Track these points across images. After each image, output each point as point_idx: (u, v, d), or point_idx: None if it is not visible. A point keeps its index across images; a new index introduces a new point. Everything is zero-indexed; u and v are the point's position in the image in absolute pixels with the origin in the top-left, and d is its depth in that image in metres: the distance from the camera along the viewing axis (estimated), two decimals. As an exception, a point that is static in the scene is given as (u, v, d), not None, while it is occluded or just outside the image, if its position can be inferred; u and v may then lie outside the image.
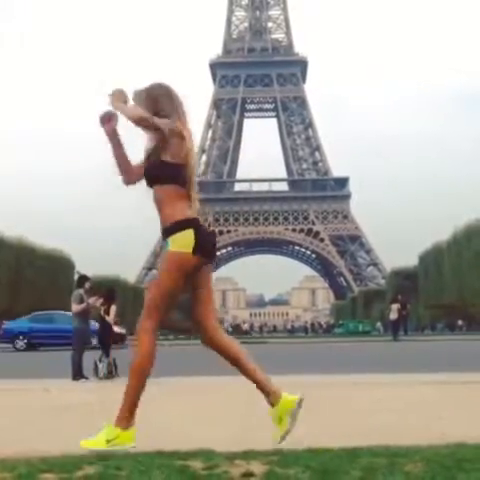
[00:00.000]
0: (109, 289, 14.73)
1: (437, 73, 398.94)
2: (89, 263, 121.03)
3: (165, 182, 4.19)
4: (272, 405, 4.24)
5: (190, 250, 4.08)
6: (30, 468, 3.49)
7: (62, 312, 32.12)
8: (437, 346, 28.11)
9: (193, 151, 4.28)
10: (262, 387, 4.25)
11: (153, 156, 4.25)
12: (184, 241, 4.08)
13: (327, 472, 3.32)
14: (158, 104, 4.26)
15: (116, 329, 18.70)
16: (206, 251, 4.15)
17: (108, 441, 4.02)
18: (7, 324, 34.11)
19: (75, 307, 13.28)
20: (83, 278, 13.99)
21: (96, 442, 4.03)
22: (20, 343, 31.29)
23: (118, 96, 4.23)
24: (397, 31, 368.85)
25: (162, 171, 4.20)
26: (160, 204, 4.21)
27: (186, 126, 4.28)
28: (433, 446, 4.08)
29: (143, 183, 4.39)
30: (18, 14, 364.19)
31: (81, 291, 13.47)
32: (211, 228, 4.49)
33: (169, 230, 4.14)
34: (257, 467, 3.49)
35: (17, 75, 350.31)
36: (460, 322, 68.89)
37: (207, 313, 4.26)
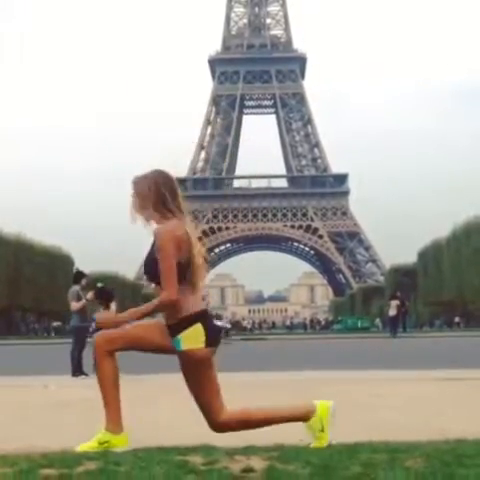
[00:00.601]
0: (107, 290, 14.19)
1: (436, 69, 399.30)
2: (88, 260, 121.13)
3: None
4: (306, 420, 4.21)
5: (203, 345, 4.02)
6: (31, 464, 3.49)
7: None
8: (436, 343, 28.14)
9: (197, 249, 4.09)
10: (296, 418, 4.23)
11: (152, 254, 4.19)
12: (195, 338, 4.02)
13: (327, 468, 3.32)
14: (166, 202, 4.12)
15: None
16: (215, 341, 4.09)
17: (100, 444, 4.06)
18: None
19: (74, 305, 13.20)
20: (80, 274, 13.90)
21: (90, 445, 4.09)
22: None
23: (108, 322, 4.16)
24: (396, 27, 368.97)
25: (157, 271, 4.13)
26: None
27: (187, 223, 4.13)
28: (433, 442, 4.09)
29: None
30: (18, 14, 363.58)
31: (77, 288, 13.41)
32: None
33: (176, 328, 4.05)
34: (257, 462, 3.49)
35: (18, 74, 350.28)
36: (457, 319, 68.85)
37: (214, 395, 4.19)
